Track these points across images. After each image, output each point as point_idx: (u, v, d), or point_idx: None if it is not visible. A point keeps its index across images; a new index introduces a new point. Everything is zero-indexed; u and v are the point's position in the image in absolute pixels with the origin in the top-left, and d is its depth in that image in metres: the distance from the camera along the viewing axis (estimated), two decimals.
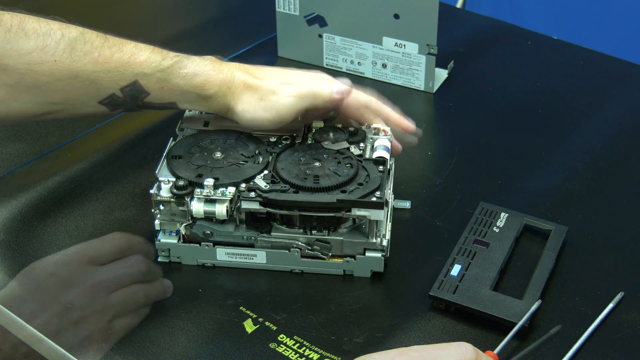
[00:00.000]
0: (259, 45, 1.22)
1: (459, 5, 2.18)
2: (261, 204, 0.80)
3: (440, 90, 1.13)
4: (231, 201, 0.80)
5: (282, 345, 0.76)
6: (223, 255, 0.83)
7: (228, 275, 0.84)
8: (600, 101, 1.11)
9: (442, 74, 1.15)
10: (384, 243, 0.81)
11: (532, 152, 1.01)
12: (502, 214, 0.88)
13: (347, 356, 0.75)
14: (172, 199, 0.80)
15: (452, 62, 1.16)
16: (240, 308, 0.80)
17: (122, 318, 0.76)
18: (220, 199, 0.80)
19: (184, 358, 0.75)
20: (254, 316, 0.79)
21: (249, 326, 0.78)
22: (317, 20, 1.13)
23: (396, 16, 1.07)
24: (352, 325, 0.78)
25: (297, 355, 0.75)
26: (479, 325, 0.78)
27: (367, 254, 0.82)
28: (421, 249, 0.87)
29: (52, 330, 0.71)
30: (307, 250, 0.82)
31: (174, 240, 0.83)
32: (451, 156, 1.00)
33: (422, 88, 1.12)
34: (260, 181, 0.81)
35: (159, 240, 0.83)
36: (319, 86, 0.85)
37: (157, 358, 0.75)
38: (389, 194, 0.86)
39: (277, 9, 1.15)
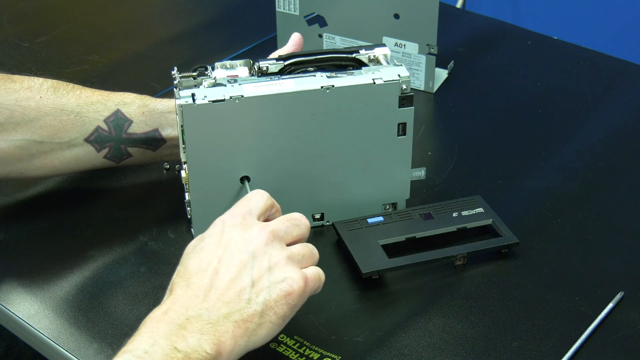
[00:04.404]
0: (259, 45, 1.22)
1: (459, 5, 2.18)
2: (279, 59, 0.85)
3: (440, 90, 1.13)
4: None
5: (282, 345, 0.76)
6: (251, 88, 0.82)
7: None
8: (600, 101, 1.11)
9: (442, 74, 1.15)
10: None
11: (532, 152, 1.01)
12: (478, 209, 0.88)
13: (348, 355, 0.75)
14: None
15: (452, 62, 1.16)
16: None
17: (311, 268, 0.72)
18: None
19: None
20: None
21: None
22: (317, 20, 1.13)
23: (396, 16, 1.07)
24: (352, 324, 0.78)
25: (298, 355, 0.75)
26: (478, 325, 0.78)
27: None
28: None
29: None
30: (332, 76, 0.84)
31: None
32: (451, 156, 1.00)
33: (422, 88, 1.12)
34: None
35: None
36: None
37: None
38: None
39: (277, 9, 1.15)
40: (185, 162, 0.83)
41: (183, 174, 0.84)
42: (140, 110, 0.88)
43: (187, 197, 0.86)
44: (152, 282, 0.83)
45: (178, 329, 0.65)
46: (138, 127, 0.88)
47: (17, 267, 0.85)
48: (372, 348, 0.76)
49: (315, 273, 0.71)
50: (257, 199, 0.74)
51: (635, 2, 2.05)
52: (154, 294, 0.81)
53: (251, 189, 0.83)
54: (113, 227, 0.90)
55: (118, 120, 0.87)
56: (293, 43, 0.95)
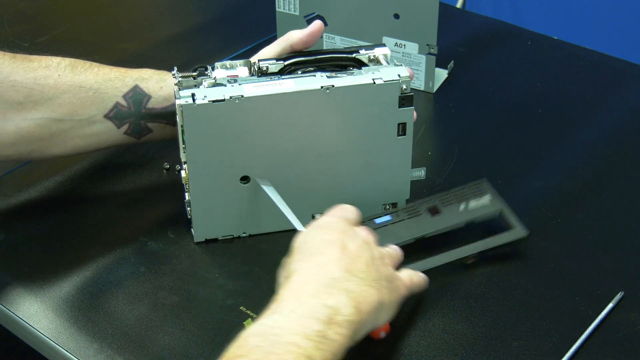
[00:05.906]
0: (259, 45, 1.22)
1: (459, 5, 2.18)
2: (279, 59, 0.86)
3: (440, 90, 1.13)
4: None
5: None
6: (251, 88, 0.82)
7: (228, 275, 0.84)
8: (600, 101, 1.11)
9: (442, 74, 1.15)
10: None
11: (532, 151, 1.01)
12: (485, 196, 0.88)
13: (347, 355, 0.75)
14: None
15: (452, 62, 1.16)
16: (241, 308, 0.80)
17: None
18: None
19: (184, 358, 0.75)
20: (254, 316, 0.79)
21: (250, 326, 0.77)
22: None
23: (396, 16, 1.07)
24: None
25: None
26: (478, 325, 0.78)
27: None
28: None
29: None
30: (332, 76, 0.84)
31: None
32: (451, 156, 1.00)
33: (422, 88, 1.12)
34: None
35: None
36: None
37: (157, 358, 0.75)
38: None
39: (277, 9, 1.15)
40: (185, 162, 0.83)
41: (183, 174, 0.84)
42: (159, 85, 0.88)
43: (187, 197, 0.86)
44: (152, 282, 0.83)
45: (325, 287, 0.67)
46: (157, 102, 0.88)
47: (17, 267, 0.85)
48: (373, 348, 0.76)
49: None
50: (349, 209, 0.79)
51: (635, 2, 2.05)
52: (154, 294, 0.81)
53: (251, 189, 0.83)
54: (113, 227, 0.90)
55: (137, 95, 0.87)
56: (312, 29, 0.90)
